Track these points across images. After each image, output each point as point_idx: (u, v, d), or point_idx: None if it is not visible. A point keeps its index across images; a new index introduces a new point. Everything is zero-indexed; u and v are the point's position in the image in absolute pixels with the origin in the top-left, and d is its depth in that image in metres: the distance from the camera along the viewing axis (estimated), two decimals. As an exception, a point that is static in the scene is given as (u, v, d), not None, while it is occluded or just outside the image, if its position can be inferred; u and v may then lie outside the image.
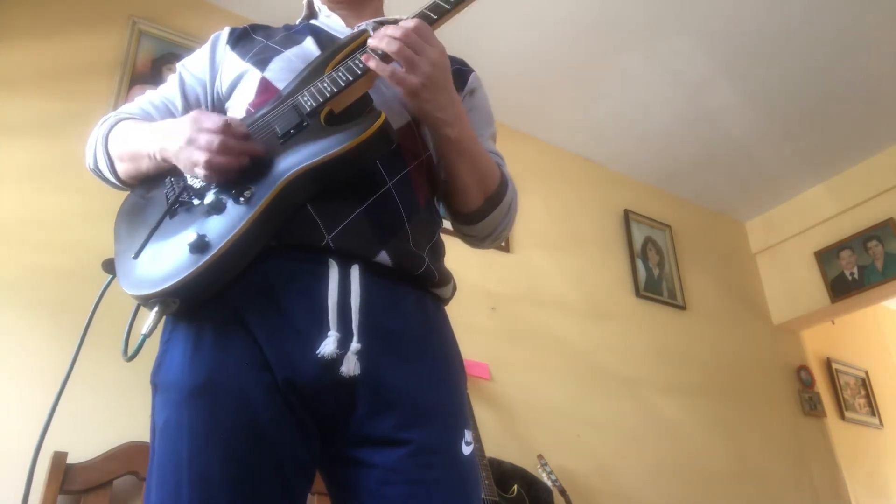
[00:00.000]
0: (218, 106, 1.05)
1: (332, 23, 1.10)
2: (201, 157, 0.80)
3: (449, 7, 0.91)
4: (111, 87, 2.22)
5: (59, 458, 1.64)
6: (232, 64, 1.03)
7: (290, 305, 0.81)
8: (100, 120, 1.02)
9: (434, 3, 0.92)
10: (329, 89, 0.86)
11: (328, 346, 0.78)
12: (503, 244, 2.85)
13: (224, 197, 0.81)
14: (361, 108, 0.89)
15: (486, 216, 1.00)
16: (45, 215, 1.95)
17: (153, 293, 0.77)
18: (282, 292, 0.81)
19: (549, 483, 2.28)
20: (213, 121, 0.82)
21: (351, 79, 0.86)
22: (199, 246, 0.76)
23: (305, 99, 0.86)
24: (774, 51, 2.80)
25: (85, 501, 1.65)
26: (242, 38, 1.07)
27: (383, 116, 0.81)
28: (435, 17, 0.90)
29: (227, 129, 0.82)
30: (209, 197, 0.81)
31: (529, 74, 2.90)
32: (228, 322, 0.80)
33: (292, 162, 0.81)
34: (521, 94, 2.99)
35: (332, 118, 0.86)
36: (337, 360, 0.78)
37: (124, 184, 0.98)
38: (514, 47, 2.76)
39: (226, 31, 1.10)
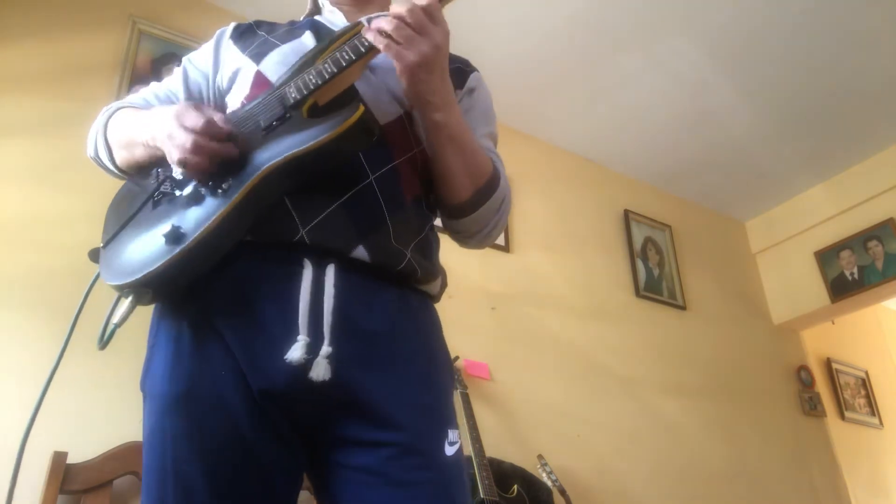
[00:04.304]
0: (219, 100, 1.05)
1: (335, 19, 1.09)
2: (175, 154, 0.81)
3: None
4: (111, 87, 2.22)
5: (59, 458, 1.64)
6: (232, 58, 1.03)
7: (261, 310, 0.80)
8: (102, 109, 1.03)
9: None
10: (314, 81, 0.84)
11: (295, 352, 0.76)
12: (503, 244, 2.85)
13: (202, 188, 0.81)
14: (346, 100, 0.87)
15: (476, 210, 0.97)
16: (45, 215, 1.95)
17: (126, 283, 0.78)
18: (254, 296, 0.80)
19: (549, 483, 2.28)
20: (193, 119, 0.81)
21: (335, 70, 0.84)
22: (174, 237, 0.77)
23: (290, 91, 0.85)
24: (775, 51, 2.80)
25: (85, 501, 1.65)
26: (246, 34, 1.07)
27: (362, 108, 0.80)
28: None
29: (204, 129, 0.80)
30: (188, 188, 0.82)
31: (529, 74, 2.90)
32: (204, 330, 0.80)
33: (269, 154, 0.80)
34: (521, 94, 2.99)
35: (315, 110, 0.84)
36: (306, 366, 0.76)
37: (123, 172, 0.98)
38: (514, 47, 2.76)
39: (231, 27, 1.10)
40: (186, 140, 0.80)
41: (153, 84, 1.09)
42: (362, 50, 0.85)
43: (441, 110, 0.89)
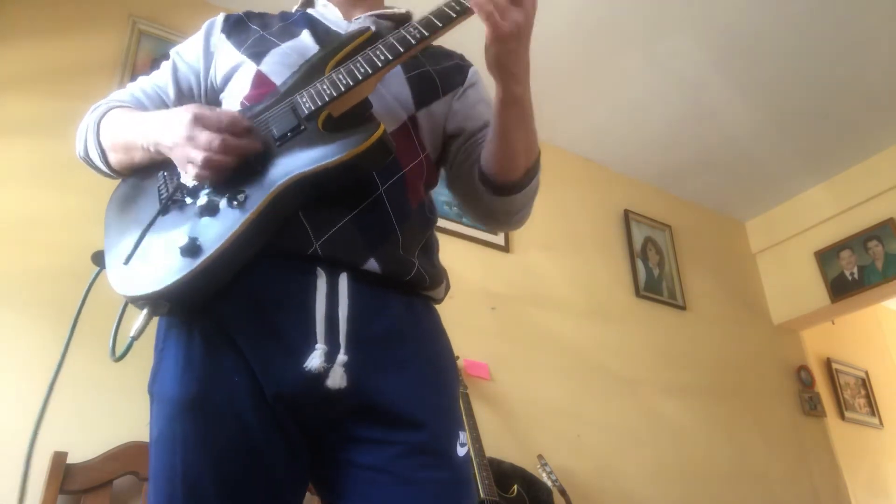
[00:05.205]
0: (212, 96, 1.03)
1: (329, 13, 1.08)
2: (199, 155, 0.77)
3: None
4: (111, 87, 2.22)
5: (59, 458, 1.63)
6: (227, 54, 1.01)
7: (276, 318, 0.79)
8: (90, 108, 1.00)
9: None
10: (328, 92, 0.83)
11: (315, 360, 0.76)
12: (503, 244, 2.86)
13: (217, 199, 0.79)
14: (360, 113, 0.87)
15: (523, 188, 0.97)
16: (46, 215, 1.95)
17: (142, 295, 0.75)
18: (269, 305, 0.80)
19: (549, 483, 2.28)
20: (216, 119, 0.79)
21: (351, 83, 0.83)
22: (191, 250, 0.75)
23: (304, 101, 0.83)
24: (775, 51, 2.80)
25: (85, 501, 1.65)
26: (237, 27, 1.05)
27: (382, 128, 0.79)
28: None
29: (230, 127, 0.79)
30: (202, 198, 0.79)
31: (530, 74, 2.89)
32: (217, 335, 0.79)
33: (287, 168, 0.79)
34: (521, 94, 2.98)
35: (330, 122, 0.83)
36: (323, 374, 0.77)
37: (116, 173, 0.96)
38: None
39: (220, 18, 1.08)
40: (213, 139, 0.77)
41: (140, 78, 1.06)
42: (378, 64, 0.84)
43: (521, 83, 0.88)
